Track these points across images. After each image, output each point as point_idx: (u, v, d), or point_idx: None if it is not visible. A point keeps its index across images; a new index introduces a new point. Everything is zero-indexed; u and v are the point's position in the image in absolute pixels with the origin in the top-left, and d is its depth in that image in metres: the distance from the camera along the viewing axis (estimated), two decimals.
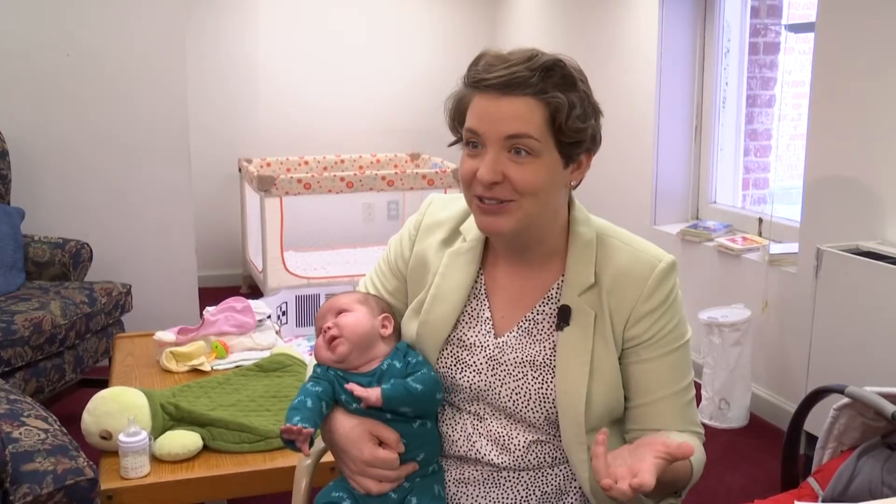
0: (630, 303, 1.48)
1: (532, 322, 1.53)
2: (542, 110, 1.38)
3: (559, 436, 1.51)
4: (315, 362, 1.62)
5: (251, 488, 2.25)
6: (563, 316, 1.49)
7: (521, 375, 1.51)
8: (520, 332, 1.53)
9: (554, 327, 1.51)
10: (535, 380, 1.50)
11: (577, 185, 1.53)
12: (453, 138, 1.54)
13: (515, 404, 1.51)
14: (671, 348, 1.50)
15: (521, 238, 1.50)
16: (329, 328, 1.57)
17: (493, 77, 1.38)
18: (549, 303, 1.53)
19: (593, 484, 1.50)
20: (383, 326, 1.60)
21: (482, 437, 1.53)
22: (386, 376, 1.54)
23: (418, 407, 1.53)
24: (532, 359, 1.51)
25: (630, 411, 1.53)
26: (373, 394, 1.48)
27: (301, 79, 6.10)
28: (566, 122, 1.39)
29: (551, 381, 1.49)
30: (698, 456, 1.52)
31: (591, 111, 1.44)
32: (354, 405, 1.52)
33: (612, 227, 1.57)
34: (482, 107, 1.40)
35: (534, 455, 1.52)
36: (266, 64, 6.02)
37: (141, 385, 2.68)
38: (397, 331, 1.63)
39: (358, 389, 1.49)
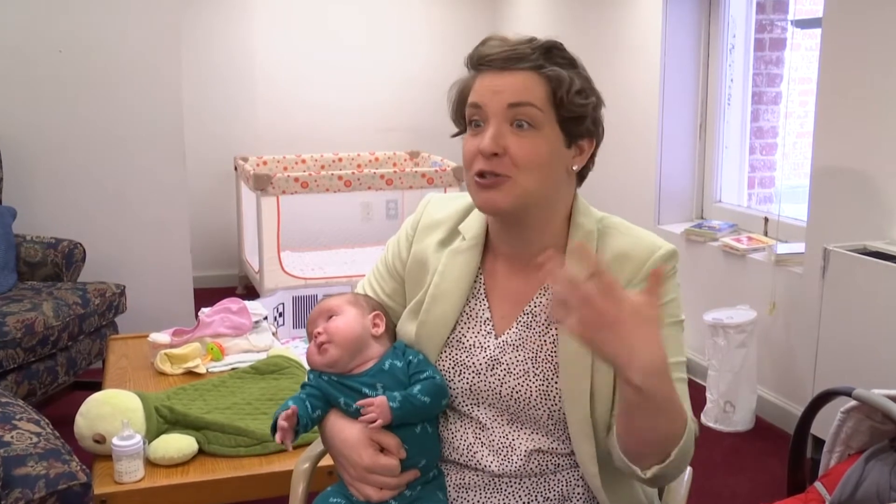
0: (625, 282, 1.47)
1: (531, 315, 1.52)
2: (543, 84, 1.41)
3: (563, 436, 1.49)
4: (309, 370, 1.61)
5: (247, 493, 2.24)
6: None
7: (521, 373, 1.49)
8: (519, 328, 1.52)
9: (552, 319, 1.50)
10: (536, 376, 1.48)
11: (582, 177, 1.53)
12: (453, 135, 1.54)
13: (517, 403, 1.49)
14: (665, 322, 1.47)
15: (521, 224, 1.49)
16: (319, 334, 1.56)
17: (495, 53, 1.42)
18: (547, 294, 1.52)
19: (604, 478, 1.48)
20: (374, 325, 1.59)
21: (483, 447, 1.51)
22: (387, 377, 1.52)
23: (425, 417, 1.52)
24: (533, 355, 1.49)
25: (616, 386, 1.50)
26: (383, 413, 1.46)
27: (298, 76, 6.10)
28: (567, 96, 1.41)
29: (553, 377, 1.48)
30: (690, 429, 1.45)
31: (591, 91, 1.46)
32: (355, 407, 1.50)
33: (614, 218, 1.57)
34: (485, 83, 1.44)
35: (535, 463, 1.50)
36: (262, 61, 6.01)
37: (135, 388, 2.67)
38: (390, 330, 1.62)
39: (367, 410, 1.47)
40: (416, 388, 1.49)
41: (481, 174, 1.42)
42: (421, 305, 1.56)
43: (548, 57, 1.42)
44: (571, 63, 1.45)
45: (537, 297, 1.52)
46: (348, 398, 1.52)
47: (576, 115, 1.43)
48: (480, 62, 1.44)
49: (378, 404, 1.46)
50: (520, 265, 1.54)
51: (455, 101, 1.51)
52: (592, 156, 1.50)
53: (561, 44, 1.45)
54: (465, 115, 1.47)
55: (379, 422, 1.46)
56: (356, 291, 1.71)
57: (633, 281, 1.47)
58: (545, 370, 1.48)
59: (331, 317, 1.58)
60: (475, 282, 1.56)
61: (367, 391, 1.51)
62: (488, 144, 1.40)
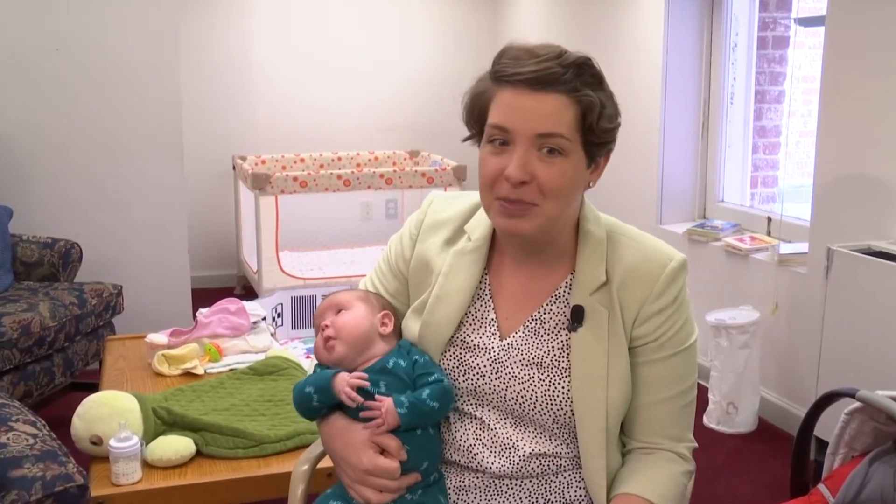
0: (639, 301, 1.46)
1: (539, 322, 1.50)
2: (574, 109, 1.36)
3: (569, 440, 1.49)
4: (316, 363, 1.61)
5: (245, 495, 2.23)
6: (577, 316, 1.47)
7: (527, 378, 1.48)
8: (526, 332, 1.50)
9: (562, 327, 1.49)
10: (541, 381, 1.47)
11: (592, 187, 1.50)
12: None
13: (522, 407, 1.48)
14: (676, 350, 1.48)
15: (537, 239, 1.47)
16: (326, 327, 1.55)
17: (525, 71, 1.35)
18: (558, 302, 1.50)
19: (610, 491, 1.48)
20: (383, 324, 1.58)
21: (485, 448, 1.50)
22: (391, 376, 1.51)
23: (432, 422, 1.51)
24: (539, 360, 1.48)
25: (628, 411, 1.51)
26: (390, 418, 1.45)
27: (297, 74, 6.08)
28: (597, 122, 1.38)
29: (560, 382, 1.47)
30: (692, 474, 1.52)
31: (617, 113, 1.43)
32: (356, 405, 1.49)
33: (622, 224, 1.55)
34: (511, 102, 1.37)
35: (536, 463, 1.49)
36: (261, 59, 5.99)
37: (132, 389, 2.66)
38: (397, 329, 1.61)
39: (373, 413, 1.46)
40: (426, 392, 1.47)
41: (506, 199, 1.39)
42: (425, 305, 1.55)
43: (580, 76, 1.36)
44: (600, 81, 1.40)
45: (547, 304, 1.51)
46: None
47: (603, 140, 1.41)
48: (507, 78, 1.37)
49: (386, 409, 1.45)
50: (527, 267, 1.53)
51: (472, 109, 1.45)
52: None
53: (590, 59, 1.39)
54: (482, 124, 1.43)
55: (383, 427, 1.44)
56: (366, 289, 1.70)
57: (649, 298, 1.46)
58: (552, 375, 1.47)
59: (339, 311, 1.57)
60: (480, 283, 1.54)
61: (369, 388, 1.50)
62: (516, 173, 1.36)
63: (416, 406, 1.45)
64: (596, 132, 1.38)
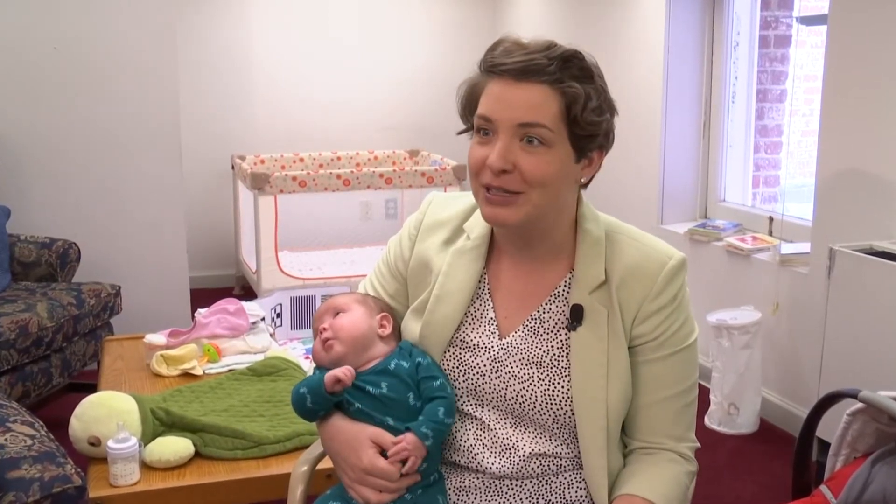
0: (639, 299, 1.46)
1: (538, 321, 1.50)
2: (557, 100, 1.37)
3: (569, 440, 1.48)
4: (315, 365, 1.60)
5: (244, 496, 2.22)
6: (576, 315, 1.47)
7: (526, 377, 1.48)
8: (525, 331, 1.50)
9: (561, 326, 1.49)
10: (541, 381, 1.47)
11: (587, 183, 1.51)
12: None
13: (522, 407, 1.48)
14: (677, 349, 1.48)
15: (527, 233, 1.48)
16: (324, 329, 1.56)
17: (510, 62, 1.37)
18: (557, 301, 1.50)
19: (612, 492, 1.48)
20: (381, 326, 1.59)
21: (485, 448, 1.50)
22: (392, 378, 1.52)
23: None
24: (539, 359, 1.48)
25: (629, 411, 1.51)
26: (418, 452, 1.45)
27: (296, 73, 6.07)
28: (581, 114, 1.37)
29: (559, 381, 1.47)
30: (693, 474, 1.52)
31: (607, 107, 1.43)
32: (356, 405, 1.50)
33: (621, 223, 1.55)
34: (496, 92, 1.39)
35: (537, 464, 1.49)
36: (260, 58, 5.99)
37: (130, 389, 2.64)
38: (397, 330, 1.62)
39: (401, 455, 1.45)
40: (440, 410, 1.47)
41: (489, 188, 1.40)
42: (425, 305, 1.55)
43: (565, 69, 1.37)
44: (589, 75, 1.40)
45: (546, 303, 1.50)
46: (350, 396, 1.51)
47: (589, 133, 1.40)
48: (493, 69, 1.39)
49: (413, 446, 1.45)
50: (525, 266, 1.52)
51: (463, 100, 1.47)
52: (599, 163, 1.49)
53: (580, 53, 1.40)
54: (473, 116, 1.44)
55: (417, 461, 1.45)
56: (364, 292, 1.71)
57: (649, 297, 1.46)
58: (551, 374, 1.47)
59: (337, 313, 1.58)
60: (480, 282, 1.54)
61: (370, 389, 1.50)
62: (497, 161, 1.37)
63: (438, 430, 1.47)
64: (581, 124, 1.38)
